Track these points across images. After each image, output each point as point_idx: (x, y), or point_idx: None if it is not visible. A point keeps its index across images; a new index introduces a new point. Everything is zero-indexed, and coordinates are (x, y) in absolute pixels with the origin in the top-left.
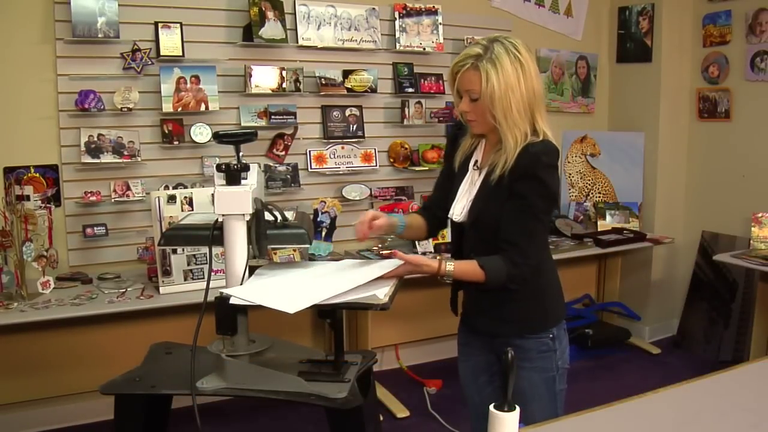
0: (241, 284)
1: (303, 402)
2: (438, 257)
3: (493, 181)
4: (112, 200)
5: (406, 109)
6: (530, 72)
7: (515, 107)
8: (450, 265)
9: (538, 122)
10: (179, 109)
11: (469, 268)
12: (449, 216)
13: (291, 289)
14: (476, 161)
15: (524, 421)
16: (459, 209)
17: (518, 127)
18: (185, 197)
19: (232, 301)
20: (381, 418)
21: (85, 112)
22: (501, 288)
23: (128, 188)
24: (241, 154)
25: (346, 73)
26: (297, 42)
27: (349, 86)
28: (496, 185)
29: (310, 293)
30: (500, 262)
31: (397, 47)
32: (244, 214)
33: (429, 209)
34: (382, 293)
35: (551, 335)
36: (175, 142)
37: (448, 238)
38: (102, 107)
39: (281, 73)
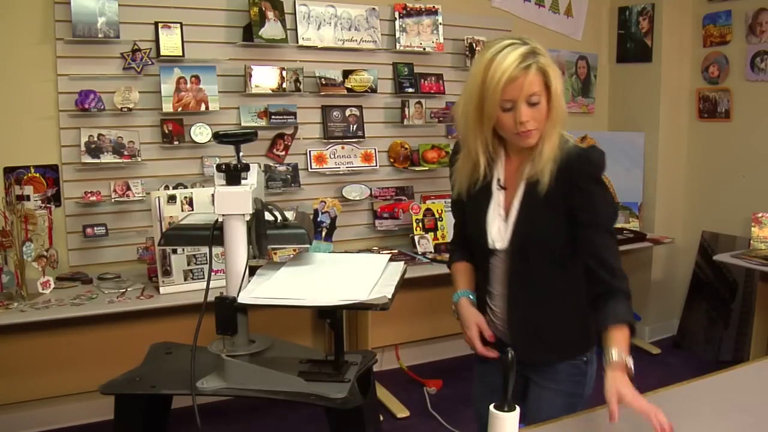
0: (246, 285)
1: (303, 402)
2: (621, 361)
3: (541, 194)
4: (112, 200)
5: (406, 109)
6: None
7: (564, 107)
8: (629, 360)
9: None
10: (179, 109)
11: (624, 336)
12: (489, 246)
13: (319, 284)
14: (498, 179)
15: None
16: (497, 235)
17: (560, 131)
18: (185, 197)
19: (270, 302)
20: (381, 418)
21: (85, 112)
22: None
23: (128, 188)
24: (241, 154)
25: (346, 73)
26: (297, 42)
27: (349, 86)
28: (544, 199)
29: (352, 286)
30: (621, 298)
31: (397, 47)
32: (244, 214)
33: (464, 247)
34: (383, 293)
35: (585, 358)
36: (175, 142)
37: (449, 237)
38: (102, 107)
39: (281, 73)
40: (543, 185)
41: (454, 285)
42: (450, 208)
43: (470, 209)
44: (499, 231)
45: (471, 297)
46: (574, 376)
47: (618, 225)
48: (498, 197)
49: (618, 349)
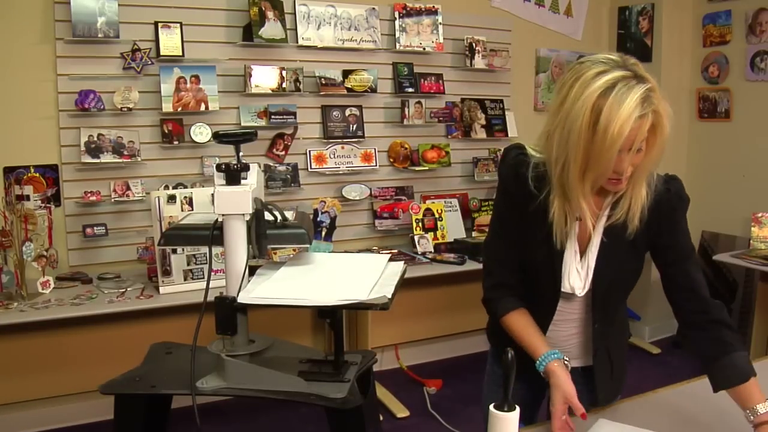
0: (246, 285)
1: (303, 402)
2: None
3: (627, 237)
4: (112, 200)
5: (406, 109)
6: None
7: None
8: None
9: None
10: (179, 109)
11: (757, 387)
12: (564, 290)
13: (319, 284)
14: (576, 218)
15: None
16: (577, 281)
17: (648, 177)
18: (185, 197)
19: (273, 302)
20: (381, 418)
21: (85, 112)
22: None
23: (128, 188)
24: (241, 154)
25: (346, 73)
26: (297, 42)
27: (349, 86)
28: (630, 242)
29: (353, 286)
30: (738, 350)
31: (397, 47)
32: (244, 214)
33: (513, 290)
34: (383, 293)
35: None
36: (175, 142)
37: (449, 237)
38: (102, 107)
39: (281, 73)
40: (632, 228)
41: (528, 343)
42: (449, 209)
43: (533, 241)
44: (577, 273)
45: (565, 359)
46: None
47: None
48: (574, 230)
49: (764, 403)
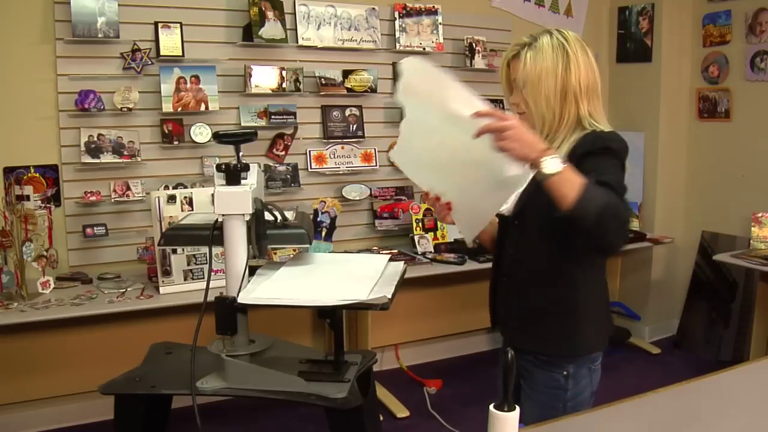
0: (246, 285)
1: (303, 402)
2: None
3: None
4: (112, 200)
5: None
6: (576, 62)
7: (545, 94)
8: (556, 162)
9: (582, 113)
10: (179, 109)
11: (574, 178)
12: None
13: (319, 284)
14: None
15: None
16: (510, 206)
17: (543, 116)
18: (185, 197)
19: (280, 303)
20: (381, 418)
21: (85, 112)
22: (594, 225)
23: (128, 188)
24: (241, 154)
25: (346, 73)
26: (297, 42)
27: (349, 86)
28: None
29: (353, 286)
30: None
31: (397, 47)
32: (244, 214)
33: None
34: (383, 293)
35: (565, 372)
36: (175, 142)
37: (449, 238)
38: (102, 107)
39: (281, 73)
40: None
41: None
42: None
43: None
44: (514, 198)
45: None
46: (551, 389)
47: None
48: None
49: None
